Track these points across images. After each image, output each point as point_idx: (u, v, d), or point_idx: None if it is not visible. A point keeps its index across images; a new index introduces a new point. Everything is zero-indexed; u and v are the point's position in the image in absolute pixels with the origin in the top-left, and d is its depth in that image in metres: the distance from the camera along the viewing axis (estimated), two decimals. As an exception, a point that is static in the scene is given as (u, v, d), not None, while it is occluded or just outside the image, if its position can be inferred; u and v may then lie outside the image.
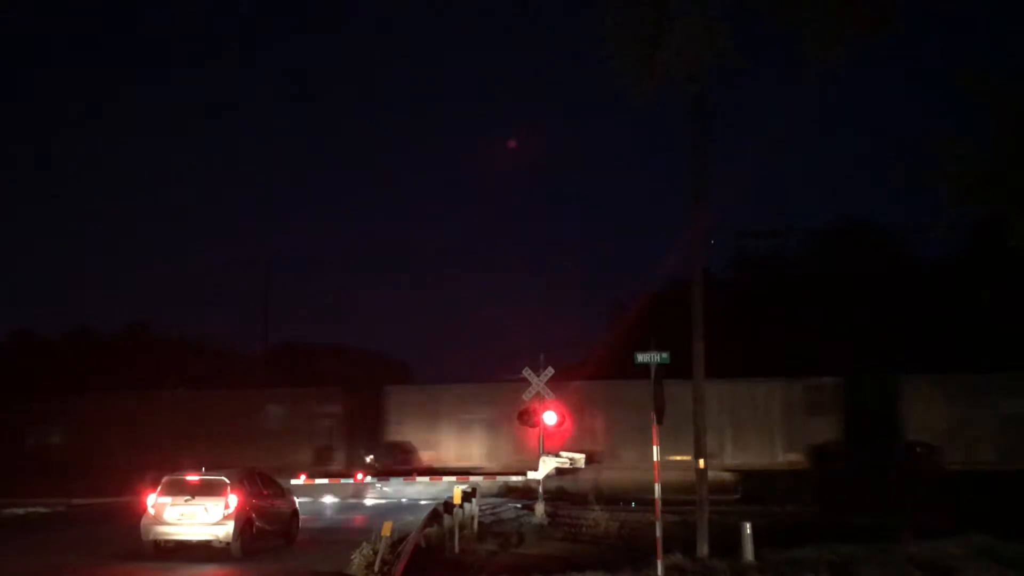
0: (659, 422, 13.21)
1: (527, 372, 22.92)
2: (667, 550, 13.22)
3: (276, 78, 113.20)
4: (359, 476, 28.35)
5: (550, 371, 22.81)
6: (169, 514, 15.61)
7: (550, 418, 22.95)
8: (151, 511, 15.76)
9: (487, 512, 22.18)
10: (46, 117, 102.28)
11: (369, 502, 28.20)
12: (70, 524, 22.17)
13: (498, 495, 28.39)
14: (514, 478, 27.44)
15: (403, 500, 27.88)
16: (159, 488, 16.03)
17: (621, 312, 42.37)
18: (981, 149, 13.22)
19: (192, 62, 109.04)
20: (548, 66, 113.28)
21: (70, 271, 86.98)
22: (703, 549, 14.61)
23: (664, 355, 13.33)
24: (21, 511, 24.26)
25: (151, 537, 15.66)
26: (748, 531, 14.28)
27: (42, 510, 24.90)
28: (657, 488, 13.23)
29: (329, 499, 27.72)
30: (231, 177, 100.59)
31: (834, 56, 12.50)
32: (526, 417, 23.88)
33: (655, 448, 13.34)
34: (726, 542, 14.61)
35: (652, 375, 13.37)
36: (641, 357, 13.48)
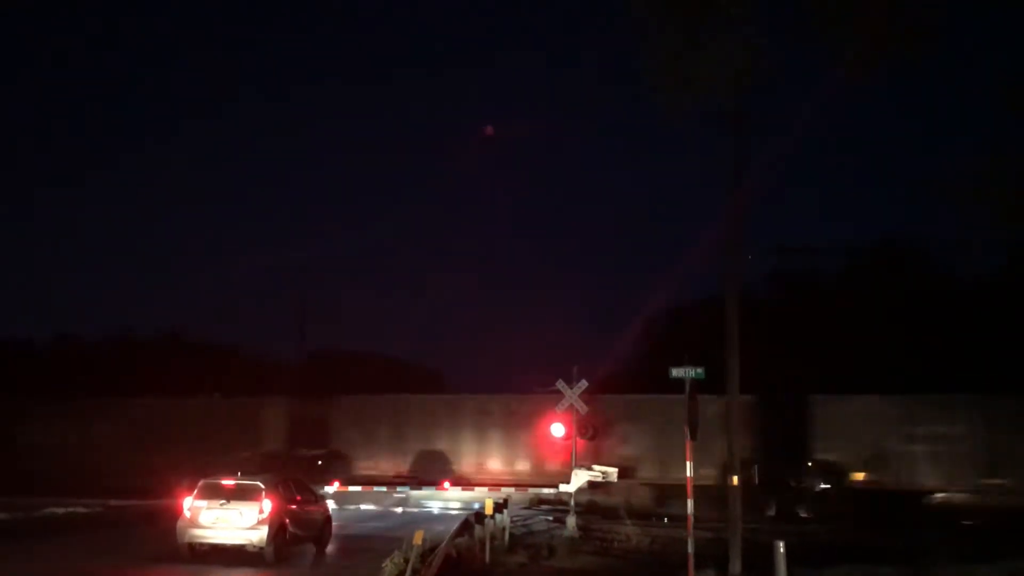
0: (693, 438, 13.16)
1: (560, 384, 22.78)
2: (699, 566, 13.13)
3: (312, 84, 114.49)
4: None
5: (583, 383, 22.63)
6: (204, 518, 15.81)
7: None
8: (187, 514, 15.97)
9: (518, 524, 22.15)
10: (84, 122, 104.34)
11: (400, 510, 28.36)
12: (108, 525, 22.51)
13: (529, 507, 28.38)
14: (546, 490, 27.41)
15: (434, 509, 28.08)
16: (195, 492, 16.24)
17: (652, 326, 42.15)
18: (1021, 167, 13.06)
19: (230, 68, 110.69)
20: (586, 74, 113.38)
21: (110, 276, 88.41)
22: (735, 566, 14.47)
23: (699, 370, 13.28)
24: (60, 511, 24.66)
25: (186, 540, 15.87)
26: (781, 549, 14.10)
27: (81, 510, 25.27)
28: (690, 504, 13.15)
29: (363, 506, 28.02)
30: (270, 184, 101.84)
31: (874, 71, 12.47)
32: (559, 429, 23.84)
33: (688, 464, 13.29)
34: (758, 560, 14.44)
35: (687, 390, 13.31)
36: (676, 372, 13.43)
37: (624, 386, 33.13)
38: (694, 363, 13.51)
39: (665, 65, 12.43)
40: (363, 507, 28.48)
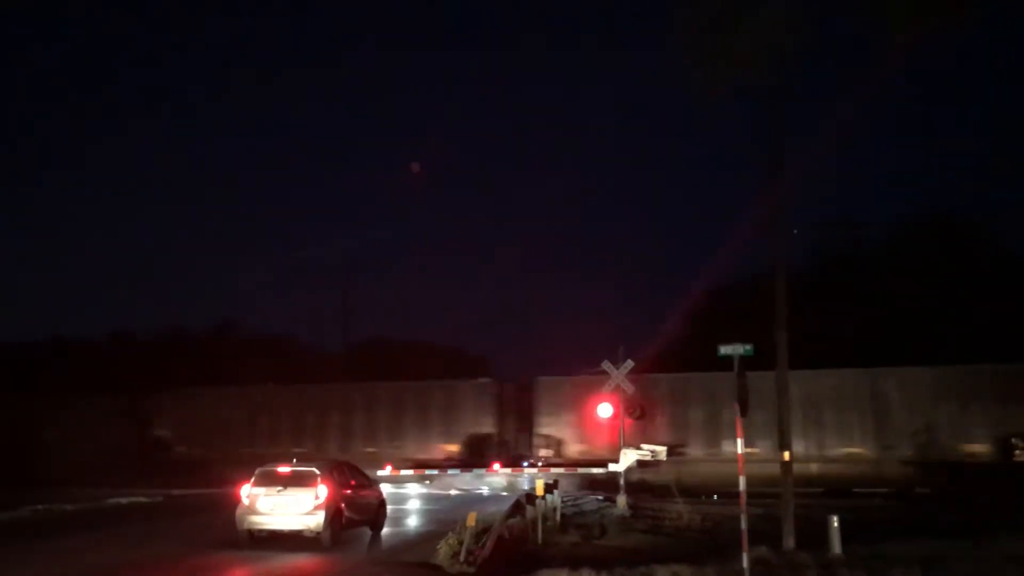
0: (743, 415, 13.10)
1: (606, 364, 22.80)
2: (752, 543, 13.08)
3: (356, 74, 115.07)
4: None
5: (629, 363, 22.59)
6: (262, 504, 16.12)
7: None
8: (245, 502, 16.28)
9: (569, 504, 22.27)
10: (136, 119, 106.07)
11: (452, 493, 28.72)
12: (169, 514, 23.12)
13: (579, 487, 28.51)
14: (596, 470, 27.50)
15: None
16: (252, 479, 16.57)
17: (699, 304, 41.88)
18: None
19: (270, 58, 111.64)
20: (624, 53, 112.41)
21: (165, 272, 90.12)
22: (789, 542, 14.45)
23: (748, 347, 13.15)
24: (124, 501, 25.44)
25: (245, 527, 16.18)
26: (835, 524, 14.07)
27: (143, 500, 26.03)
28: (742, 480, 13.11)
29: (414, 489, 28.43)
30: (317, 175, 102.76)
31: (917, 40, 12.25)
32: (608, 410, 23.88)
33: (739, 440, 13.26)
34: (812, 536, 14.42)
35: (736, 367, 13.25)
36: (724, 349, 13.32)
37: (672, 365, 33.05)
38: (742, 340, 13.42)
39: (702, 39, 12.32)
40: (415, 490, 28.91)
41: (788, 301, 15.25)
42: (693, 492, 25.03)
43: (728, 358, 13.35)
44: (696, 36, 12.86)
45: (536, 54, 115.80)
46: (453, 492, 28.85)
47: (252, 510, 16.18)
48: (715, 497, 24.25)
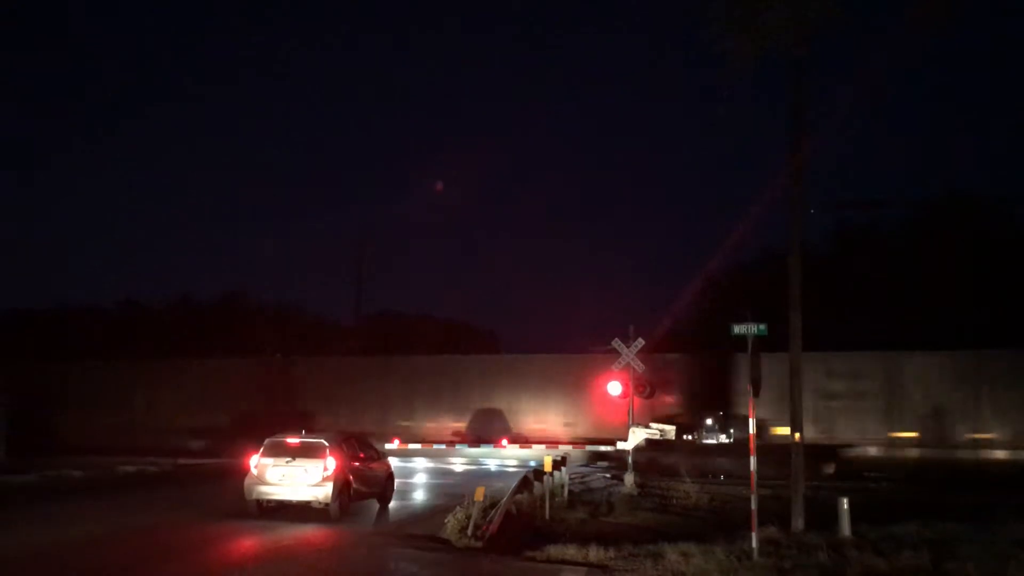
0: (756, 395, 13.00)
1: (616, 343, 22.67)
2: (761, 523, 13.03)
3: (373, 45, 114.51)
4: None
5: (640, 342, 22.44)
6: (271, 475, 16.09)
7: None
8: (254, 472, 16.24)
9: (576, 481, 22.27)
10: (146, 87, 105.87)
11: (459, 468, 28.77)
12: (177, 483, 23.23)
13: (586, 464, 28.54)
14: (604, 448, 27.53)
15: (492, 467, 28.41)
16: (261, 450, 16.52)
17: (711, 284, 41.67)
18: None
19: (286, 27, 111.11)
20: (644, 27, 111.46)
21: (173, 241, 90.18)
22: (798, 523, 14.37)
23: (762, 327, 13.03)
24: (132, 469, 25.58)
25: (254, 497, 16.16)
26: (845, 506, 13.99)
27: (152, 469, 26.16)
28: (752, 461, 13.04)
29: (420, 463, 28.49)
30: (330, 145, 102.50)
31: (944, 18, 12.03)
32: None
33: (751, 420, 13.16)
34: (821, 517, 14.35)
35: (749, 347, 13.13)
36: (738, 329, 13.21)
37: (683, 344, 32.98)
38: (756, 320, 13.29)
39: (728, 10, 12.13)
40: (423, 464, 28.99)
41: (803, 281, 15.09)
42: (700, 471, 24.98)
43: (741, 338, 13.25)
44: (724, 6, 12.67)
45: (549, 26, 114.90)
46: (460, 467, 28.93)
47: (261, 480, 16.15)
48: (721, 477, 24.20)
